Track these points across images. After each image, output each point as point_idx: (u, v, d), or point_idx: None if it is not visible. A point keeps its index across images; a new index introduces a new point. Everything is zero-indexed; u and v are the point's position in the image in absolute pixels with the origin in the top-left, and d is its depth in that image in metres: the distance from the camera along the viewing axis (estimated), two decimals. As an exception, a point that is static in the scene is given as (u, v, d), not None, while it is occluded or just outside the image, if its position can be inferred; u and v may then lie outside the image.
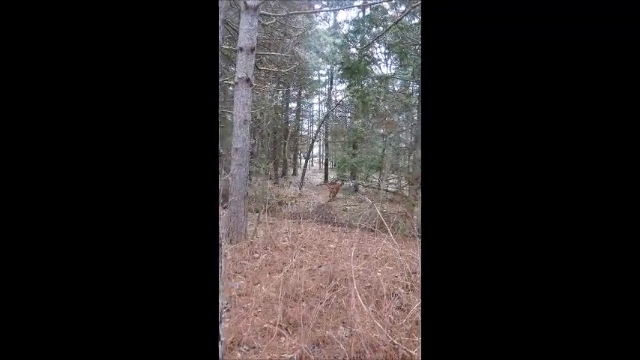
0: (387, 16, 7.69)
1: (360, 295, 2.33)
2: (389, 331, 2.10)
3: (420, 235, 3.56)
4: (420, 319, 2.01)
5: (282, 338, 2.13)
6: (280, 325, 2.21)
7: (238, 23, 5.00)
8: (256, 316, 2.37)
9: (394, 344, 1.99)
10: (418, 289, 2.63)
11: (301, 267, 3.20)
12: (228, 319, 2.21)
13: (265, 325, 2.23)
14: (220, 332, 1.19)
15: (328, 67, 14.27)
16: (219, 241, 1.13)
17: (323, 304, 2.41)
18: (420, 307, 2.19)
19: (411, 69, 7.82)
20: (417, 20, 7.14)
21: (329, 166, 15.99)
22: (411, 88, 10.17)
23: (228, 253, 3.77)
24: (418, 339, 1.95)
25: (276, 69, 9.12)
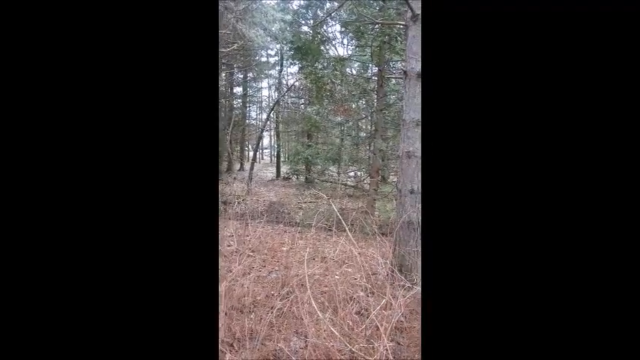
0: (342, -11, 7.74)
1: (315, 301, 2.35)
2: (347, 338, 2.15)
3: (380, 232, 3.67)
4: (379, 324, 2.08)
5: (227, 356, 2.10)
6: (223, 341, 2.17)
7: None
8: (196, 332, 2.32)
9: (353, 352, 2.04)
10: (378, 291, 2.71)
11: (249, 274, 3.17)
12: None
13: (207, 343, 2.18)
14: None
15: (278, 46, 14.14)
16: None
17: (274, 314, 2.41)
18: (379, 312, 2.26)
19: (369, 50, 7.96)
20: (373, -4, 7.28)
21: (281, 159, 15.94)
22: (369, 71, 10.35)
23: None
24: (377, 345, 2.01)
25: (216, 48, 8.85)
